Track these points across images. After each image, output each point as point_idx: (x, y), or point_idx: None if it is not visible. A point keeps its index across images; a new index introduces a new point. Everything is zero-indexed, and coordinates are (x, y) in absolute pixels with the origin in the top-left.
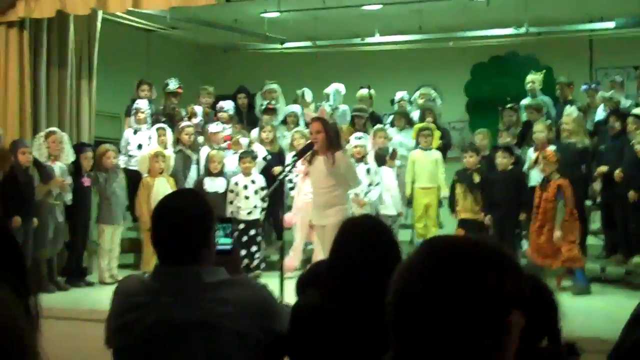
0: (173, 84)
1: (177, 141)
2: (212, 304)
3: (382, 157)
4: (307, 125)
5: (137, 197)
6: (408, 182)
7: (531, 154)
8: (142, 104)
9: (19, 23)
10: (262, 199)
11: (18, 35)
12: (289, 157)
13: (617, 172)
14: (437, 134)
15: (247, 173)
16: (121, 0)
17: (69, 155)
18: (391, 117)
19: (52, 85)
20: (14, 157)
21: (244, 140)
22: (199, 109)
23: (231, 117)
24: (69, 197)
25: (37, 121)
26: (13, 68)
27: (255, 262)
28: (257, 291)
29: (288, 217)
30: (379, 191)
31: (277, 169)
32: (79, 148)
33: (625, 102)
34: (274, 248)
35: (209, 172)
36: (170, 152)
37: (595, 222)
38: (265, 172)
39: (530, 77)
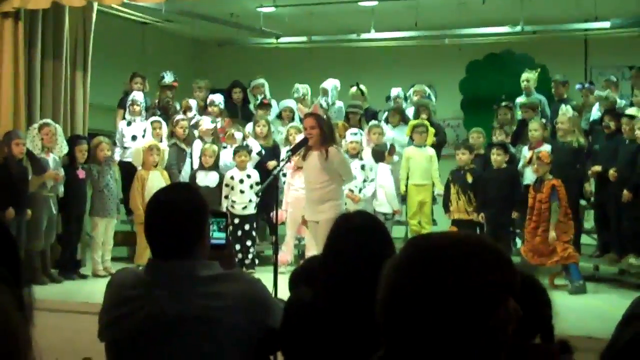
0: (169, 77)
1: (172, 134)
2: (205, 298)
3: (381, 153)
4: (302, 120)
5: (131, 190)
6: (402, 179)
7: (526, 152)
8: (138, 96)
9: (14, 14)
10: (256, 194)
11: (13, 26)
12: (283, 152)
13: (611, 172)
14: (432, 131)
15: (242, 167)
16: None
17: (63, 148)
18: (386, 113)
19: (46, 77)
20: (8, 149)
21: (238, 135)
22: (193, 103)
23: (221, 110)
24: (61, 189)
25: (31, 113)
26: (7, 59)
27: (250, 257)
28: (251, 285)
29: (279, 213)
30: (373, 187)
31: (271, 164)
32: (73, 140)
33: (620, 102)
34: (268, 243)
35: (202, 166)
36: (164, 146)
37: (589, 221)
38: (259, 167)
39: (525, 76)
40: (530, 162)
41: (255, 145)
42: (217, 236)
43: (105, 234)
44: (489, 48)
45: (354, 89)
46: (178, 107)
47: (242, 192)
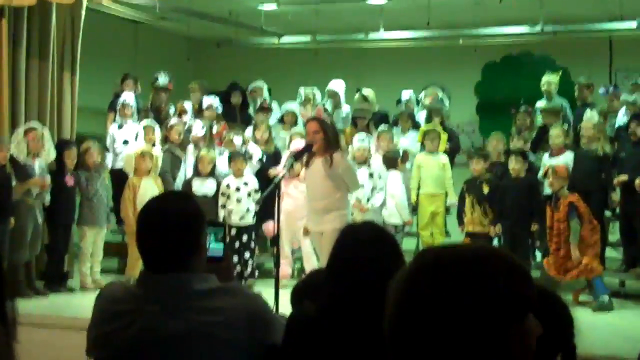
0: (163, 79)
1: (165, 139)
2: (201, 313)
3: (393, 160)
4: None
5: (122, 198)
6: (413, 188)
7: (546, 160)
8: (129, 98)
9: None
10: (257, 203)
11: None
12: (284, 158)
13: (638, 182)
14: (444, 136)
15: (238, 175)
16: None
17: (50, 153)
18: (394, 117)
19: (32, 78)
20: None
21: (237, 140)
22: (189, 106)
23: (218, 114)
24: (47, 197)
25: (16, 116)
26: None
27: (249, 270)
28: (250, 300)
29: (270, 225)
30: (382, 197)
31: (273, 171)
32: (62, 145)
33: None
34: (269, 255)
35: (198, 173)
36: (158, 151)
37: (614, 233)
38: (260, 174)
39: (546, 78)
40: (545, 175)
41: (256, 151)
42: (214, 247)
43: (94, 244)
44: (507, 49)
45: (357, 95)
46: (173, 111)
47: (238, 200)
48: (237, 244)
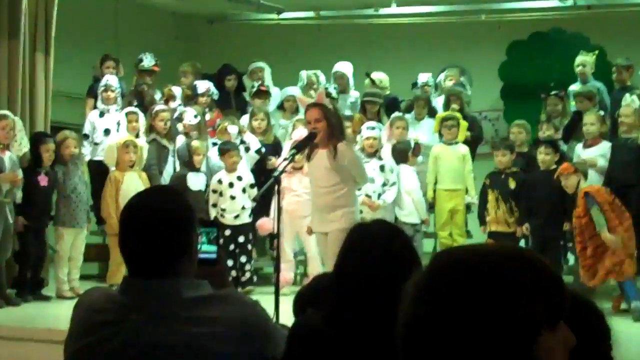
0: (148, 61)
1: (151, 128)
2: (192, 323)
3: (403, 153)
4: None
5: (103, 195)
6: (430, 183)
7: (580, 151)
8: (112, 81)
9: None
10: (254, 200)
11: None
12: (286, 150)
13: None
14: (464, 124)
15: (231, 169)
16: None
17: (23, 145)
18: (408, 102)
19: (0, 60)
20: None
21: (232, 129)
22: (177, 91)
23: (211, 101)
24: (19, 194)
25: None
26: None
27: (247, 275)
28: (246, 309)
29: (264, 222)
30: (395, 192)
31: (272, 162)
32: (38, 138)
33: None
34: (268, 258)
35: (192, 166)
36: (143, 142)
37: None
38: (259, 167)
39: (580, 59)
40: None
41: (254, 142)
42: (207, 250)
43: (72, 247)
44: (535, 26)
45: (366, 80)
46: (160, 96)
47: (232, 197)
48: (232, 246)
